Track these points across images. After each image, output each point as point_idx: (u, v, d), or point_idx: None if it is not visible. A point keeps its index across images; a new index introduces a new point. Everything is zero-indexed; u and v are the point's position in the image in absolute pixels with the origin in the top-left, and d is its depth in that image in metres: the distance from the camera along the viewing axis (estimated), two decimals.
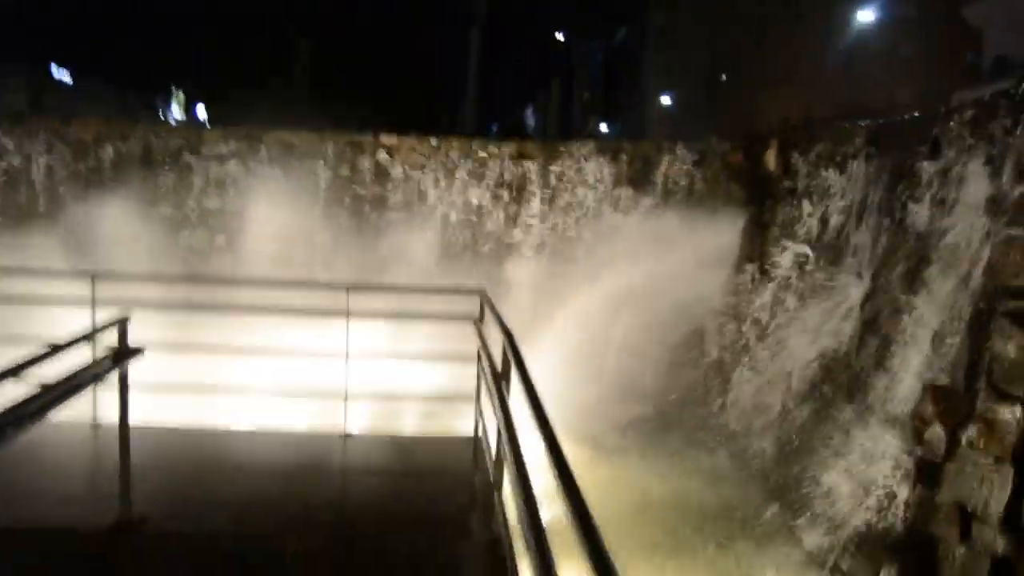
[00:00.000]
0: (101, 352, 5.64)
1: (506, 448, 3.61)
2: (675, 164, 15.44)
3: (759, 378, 12.57)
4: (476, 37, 34.38)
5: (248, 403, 9.39)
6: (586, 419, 14.04)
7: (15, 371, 4.38)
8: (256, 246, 16.40)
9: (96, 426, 7.83)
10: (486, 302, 7.90)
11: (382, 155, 17.64)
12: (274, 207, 16.44)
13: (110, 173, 16.67)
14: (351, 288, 8.99)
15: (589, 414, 14.19)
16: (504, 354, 5.28)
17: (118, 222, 15.85)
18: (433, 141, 17.71)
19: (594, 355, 14.92)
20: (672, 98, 63.11)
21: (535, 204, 16.82)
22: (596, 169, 16.25)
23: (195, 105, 73.79)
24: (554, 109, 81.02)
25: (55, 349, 5.00)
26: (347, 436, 7.99)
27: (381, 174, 17.65)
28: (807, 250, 12.47)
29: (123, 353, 5.45)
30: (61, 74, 71.87)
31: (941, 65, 47.68)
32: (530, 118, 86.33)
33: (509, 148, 17.34)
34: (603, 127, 65.98)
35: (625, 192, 15.97)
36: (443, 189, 17.48)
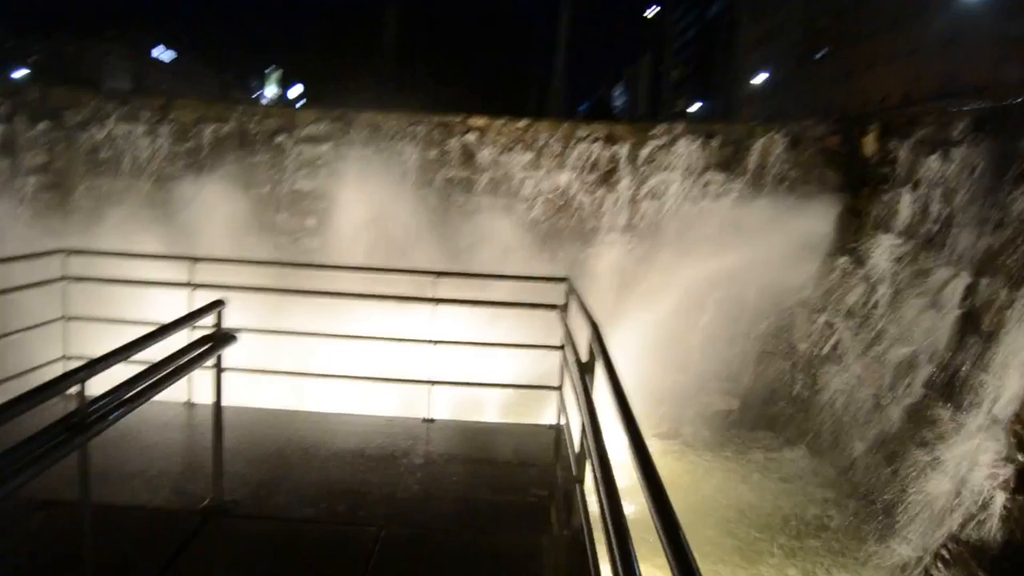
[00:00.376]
0: (197, 335, 5.82)
1: (589, 441, 3.53)
2: (768, 148, 15.06)
3: (850, 374, 12.21)
4: (567, 11, 33.99)
5: (336, 387, 9.54)
6: (669, 409, 13.97)
7: (118, 354, 4.53)
8: (345, 228, 16.71)
9: (190, 405, 8.11)
10: (572, 291, 7.87)
11: (470, 137, 17.72)
12: (364, 189, 16.70)
13: (208, 154, 17.17)
14: (439, 274, 9.07)
15: (673, 404, 14.10)
16: (589, 345, 5.24)
17: (215, 203, 16.34)
18: (521, 123, 17.68)
19: (679, 344, 14.74)
20: (765, 76, 61.63)
21: (623, 188, 16.66)
22: (686, 152, 15.99)
23: (290, 85, 75.45)
24: (643, 88, 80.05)
25: (155, 333, 5.16)
26: (430, 421, 8.07)
27: (469, 156, 17.73)
28: (904, 241, 12.03)
29: (219, 338, 5.59)
30: (163, 55, 74.43)
31: None
32: (618, 97, 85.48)
33: (598, 130, 17.19)
34: (694, 107, 64.88)
35: (715, 176, 15.67)
36: (531, 172, 17.45)
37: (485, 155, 17.67)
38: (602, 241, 16.67)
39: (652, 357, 14.39)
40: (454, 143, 17.72)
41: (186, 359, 4.96)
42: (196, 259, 8.96)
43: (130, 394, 3.99)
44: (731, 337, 14.42)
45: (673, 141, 16.31)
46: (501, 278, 10.05)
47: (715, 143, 15.80)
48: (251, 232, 17.08)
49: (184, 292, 8.24)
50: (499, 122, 17.70)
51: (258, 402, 8.04)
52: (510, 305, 8.95)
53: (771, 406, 13.87)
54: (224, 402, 5.76)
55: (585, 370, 4.93)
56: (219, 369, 5.71)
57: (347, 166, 17.34)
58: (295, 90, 72.08)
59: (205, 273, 9.25)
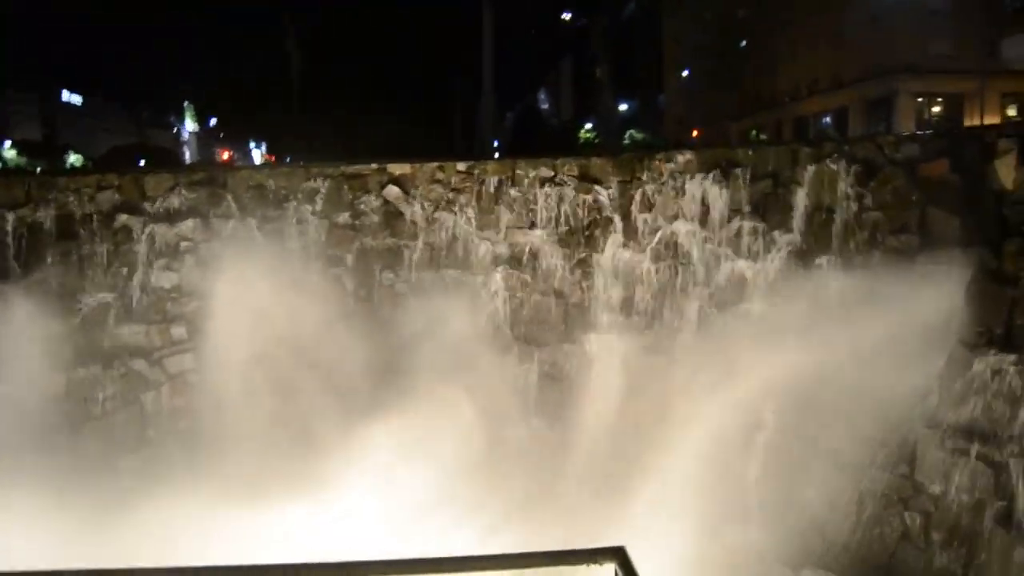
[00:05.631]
0: None
1: None
2: (826, 179, 9.51)
3: None
4: (490, 21, 28.43)
5: None
6: None
7: None
8: (229, 335, 10.83)
9: None
10: None
11: (392, 190, 11.88)
12: (249, 278, 10.84)
13: (14, 254, 10.94)
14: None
15: None
16: None
17: (26, 325, 10.30)
18: (461, 166, 11.91)
19: (731, 483, 9.20)
20: (689, 70, 56.99)
21: (614, 248, 10.97)
22: (700, 192, 10.36)
23: (208, 118, 68.63)
24: (566, 90, 75.07)
25: None
26: None
27: (393, 217, 11.89)
28: None
29: None
30: (71, 98, 66.71)
31: (978, 12, 40.90)
32: (542, 101, 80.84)
33: (568, 168, 11.50)
34: (621, 107, 60.09)
35: (749, 225, 10.08)
36: (481, 233, 11.69)
37: (416, 214, 11.85)
38: (594, 327, 10.94)
39: (690, 503, 8.97)
40: (371, 201, 11.85)
41: None
42: None
43: None
44: (811, 470, 8.88)
45: (678, 177, 10.67)
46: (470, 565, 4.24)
47: (742, 176, 10.20)
48: (85, 359, 11.00)
49: None
50: (430, 167, 11.87)
51: None
52: None
53: None
54: None
55: None
56: None
57: (223, 247, 11.39)
58: (214, 123, 65.36)
59: None
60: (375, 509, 9.82)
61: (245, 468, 10.28)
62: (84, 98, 66.05)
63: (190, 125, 70.21)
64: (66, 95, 67.16)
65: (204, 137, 68.41)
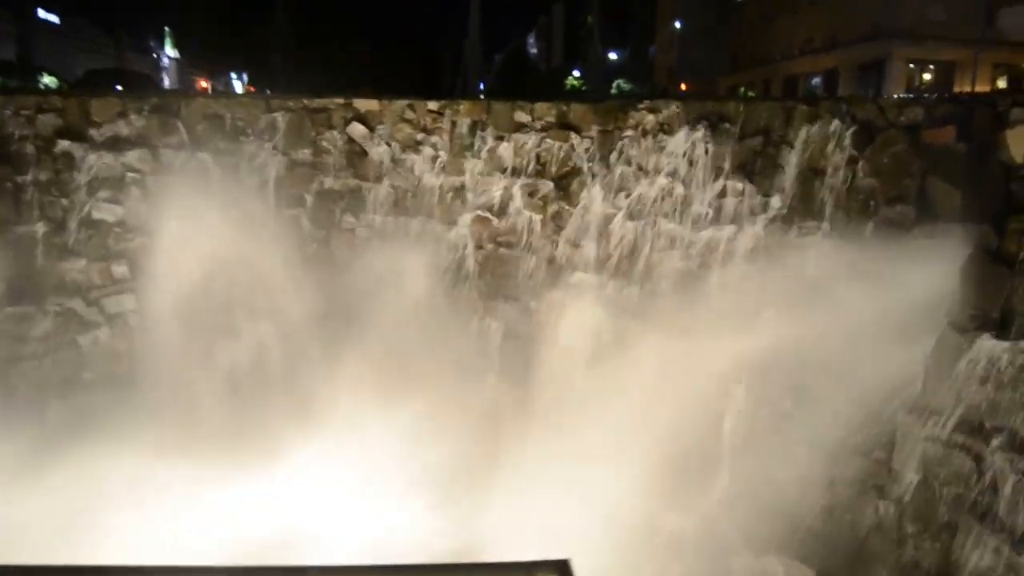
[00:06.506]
0: None
1: None
2: (820, 141, 8.76)
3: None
4: None
5: None
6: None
7: None
8: (174, 276, 10.02)
9: None
10: None
11: (357, 128, 11.00)
12: (199, 215, 10.00)
13: None
14: None
15: (692, 565, 8.10)
16: None
17: None
18: (432, 105, 11.02)
19: (697, 458, 8.61)
20: (682, 22, 55.57)
21: (592, 201, 10.19)
22: (686, 147, 9.58)
23: (191, 45, 66.18)
24: (557, 36, 73.26)
25: None
26: None
27: (357, 156, 11.04)
28: None
29: None
30: (49, 17, 64.05)
31: None
32: (532, 46, 78.95)
33: (544, 113, 10.64)
34: (611, 56, 58.57)
35: (735, 185, 9.33)
36: (450, 177, 10.87)
37: (382, 154, 10.99)
38: (565, 284, 10.22)
39: (654, 478, 8.43)
40: (334, 138, 10.98)
41: None
42: None
43: None
44: (783, 451, 8.30)
45: (662, 129, 9.86)
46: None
47: (731, 132, 9.41)
48: (18, 295, 10.16)
49: None
50: (399, 105, 10.98)
51: None
52: None
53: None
54: None
55: None
56: None
57: (172, 181, 10.52)
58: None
59: None
60: (323, 470, 9.19)
61: (186, 416, 9.61)
62: (61, 18, 63.42)
63: (170, 51, 67.85)
64: (43, 14, 64.42)
65: (185, 65, 66.28)
